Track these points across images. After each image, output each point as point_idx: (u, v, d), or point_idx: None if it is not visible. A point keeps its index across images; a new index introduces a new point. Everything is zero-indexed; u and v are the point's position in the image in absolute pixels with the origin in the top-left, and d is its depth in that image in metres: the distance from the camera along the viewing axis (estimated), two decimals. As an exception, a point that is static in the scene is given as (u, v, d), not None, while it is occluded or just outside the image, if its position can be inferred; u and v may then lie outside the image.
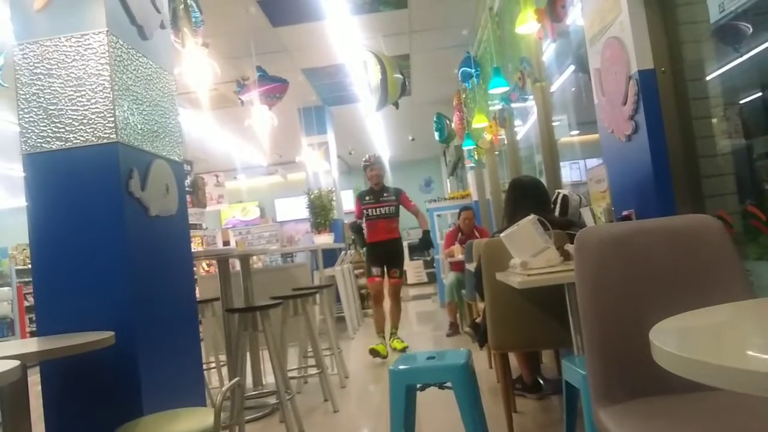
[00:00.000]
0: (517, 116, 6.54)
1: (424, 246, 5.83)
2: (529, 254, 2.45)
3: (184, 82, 4.12)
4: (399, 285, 5.64)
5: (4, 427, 1.84)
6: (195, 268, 3.44)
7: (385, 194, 5.61)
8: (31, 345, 2.02)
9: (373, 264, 5.56)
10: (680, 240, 1.69)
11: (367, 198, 5.62)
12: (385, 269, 5.52)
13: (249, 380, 4.01)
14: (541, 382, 3.52)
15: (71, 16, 2.31)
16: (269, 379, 3.91)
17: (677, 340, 0.95)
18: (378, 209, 5.55)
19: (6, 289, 5.83)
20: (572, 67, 4.26)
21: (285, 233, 14.61)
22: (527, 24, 3.63)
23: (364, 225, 5.60)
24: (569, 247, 2.52)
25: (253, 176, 14.20)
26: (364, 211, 5.58)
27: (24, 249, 8.66)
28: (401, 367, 2.37)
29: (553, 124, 4.89)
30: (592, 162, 4.23)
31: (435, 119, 8.62)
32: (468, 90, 7.34)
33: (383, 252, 5.54)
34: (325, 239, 7.56)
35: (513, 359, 3.49)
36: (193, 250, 2.96)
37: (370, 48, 5.87)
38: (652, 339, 0.84)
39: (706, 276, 1.62)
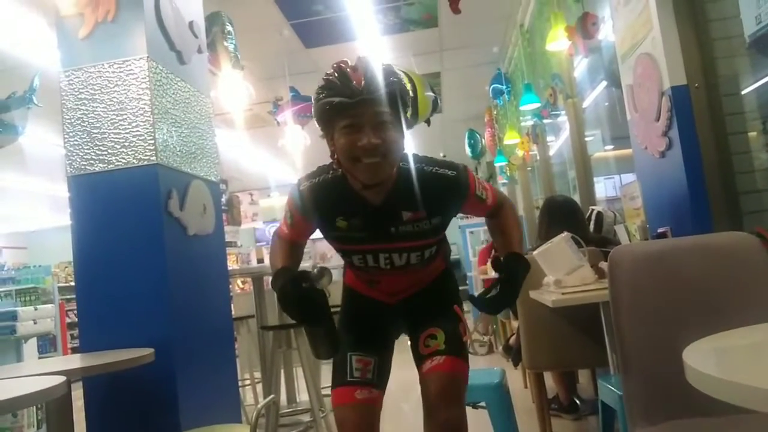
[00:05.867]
0: (550, 132, 6.50)
1: (500, 303, 1.58)
2: (563, 272, 2.43)
3: (219, 103, 4.22)
4: (458, 381, 1.59)
5: (49, 440, 1.90)
6: (230, 286, 3.50)
7: (405, 207, 1.54)
8: (75, 361, 2.08)
9: (352, 343, 1.73)
10: (717, 258, 1.67)
11: (341, 220, 1.64)
12: (412, 338, 1.84)
13: (283, 397, 4.03)
14: (578, 402, 3.46)
15: (113, 43, 2.40)
16: (303, 396, 3.93)
17: (712, 360, 0.94)
18: (383, 254, 1.62)
19: (49, 306, 6.00)
20: (605, 83, 4.23)
21: (318, 250, 14.68)
22: (558, 41, 3.63)
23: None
24: (604, 265, 2.49)
25: (287, 194, 14.30)
26: (340, 252, 1.76)
27: (66, 267, 8.89)
28: (434, 385, 2.36)
29: (587, 139, 4.85)
30: (628, 177, 4.17)
31: (467, 135, 8.64)
32: (499, 106, 7.35)
33: (395, 306, 1.81)
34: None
35: (549, 379, 3.44)
36: (228, 267, 3.02)
37: (400, 66, 5.89)
38: (686, 359, 0.84)
39: (745, 295, 1.59)
